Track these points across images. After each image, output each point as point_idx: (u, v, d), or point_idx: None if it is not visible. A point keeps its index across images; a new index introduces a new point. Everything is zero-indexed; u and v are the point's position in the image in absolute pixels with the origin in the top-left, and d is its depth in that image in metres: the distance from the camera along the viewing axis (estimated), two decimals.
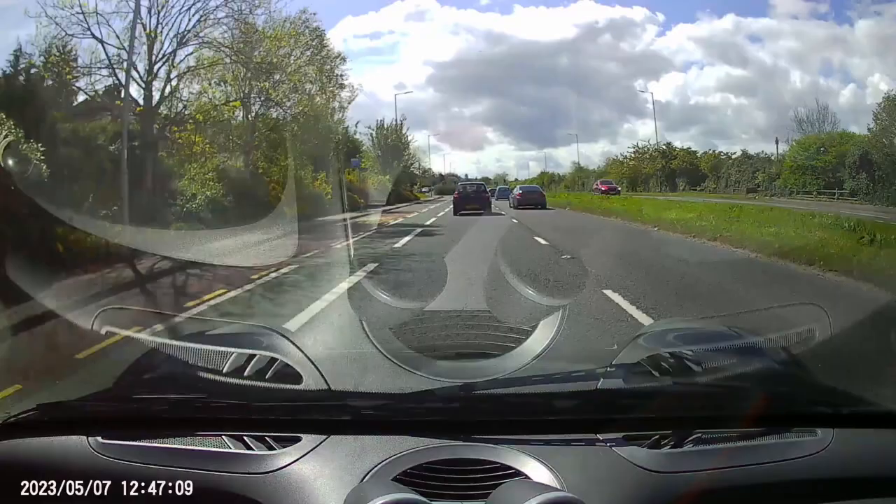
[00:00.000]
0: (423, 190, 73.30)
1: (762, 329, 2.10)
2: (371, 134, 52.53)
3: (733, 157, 51.09)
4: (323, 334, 6.24)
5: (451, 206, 29.74)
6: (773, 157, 47.12)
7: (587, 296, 7.71)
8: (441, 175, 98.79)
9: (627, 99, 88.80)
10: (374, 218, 24.72)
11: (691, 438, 1.64)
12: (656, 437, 1.63)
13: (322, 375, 1.76)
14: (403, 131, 53.74)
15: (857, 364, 4.23)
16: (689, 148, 60.35)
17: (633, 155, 63.30)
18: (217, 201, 18.51)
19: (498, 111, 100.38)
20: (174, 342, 2.04)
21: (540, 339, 1.94)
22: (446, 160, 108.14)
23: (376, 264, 11.01)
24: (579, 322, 6.19)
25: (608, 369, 1.82)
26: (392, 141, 51.31)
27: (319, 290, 8.37)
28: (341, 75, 29.53)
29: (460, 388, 1.71)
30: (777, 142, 50.51)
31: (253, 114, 22.47)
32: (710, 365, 1.84)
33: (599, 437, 1.62)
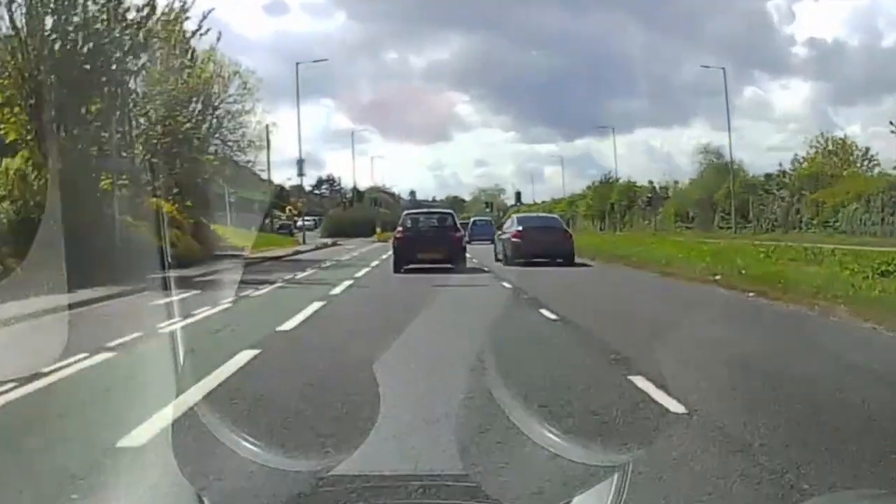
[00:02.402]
0: (297, 225, 42.99)
1: None
2: None
3: None
4: None
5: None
6: None
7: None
8: (354, 191, 60.51)
9: (751, 35, 49.49)
10: None
11: None
12: None
13: None
14: None
15: None
16: None
17: None
18: None
19: (479, 62, 53.65)
20: None
21: None
22: (365, 159, 74.18)
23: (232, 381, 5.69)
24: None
25: None
26: (99, 21, 15.71)
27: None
28: None
29: None
30: None
31: None
32: None
33: None
